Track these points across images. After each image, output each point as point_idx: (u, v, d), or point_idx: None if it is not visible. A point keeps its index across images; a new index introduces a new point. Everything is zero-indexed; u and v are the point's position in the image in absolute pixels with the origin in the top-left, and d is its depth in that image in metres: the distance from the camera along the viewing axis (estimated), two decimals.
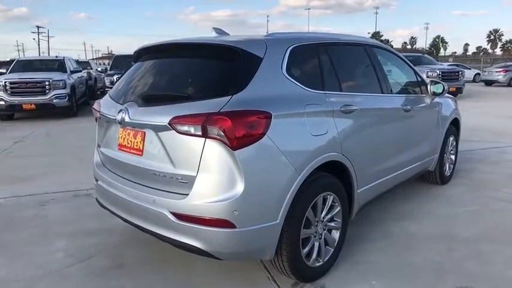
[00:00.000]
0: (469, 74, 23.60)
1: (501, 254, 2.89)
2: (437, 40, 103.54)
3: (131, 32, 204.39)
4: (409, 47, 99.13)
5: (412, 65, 3.86)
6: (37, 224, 3.56)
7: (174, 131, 2.09)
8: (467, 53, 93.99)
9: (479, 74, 25.32)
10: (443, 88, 3.70)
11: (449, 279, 2.55)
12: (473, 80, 24.72)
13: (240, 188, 2.00)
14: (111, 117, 2.52)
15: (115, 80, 10.56)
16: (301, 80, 2.42)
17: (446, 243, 3.06)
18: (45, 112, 10.44)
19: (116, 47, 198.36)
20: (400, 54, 3.85)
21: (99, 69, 15.30)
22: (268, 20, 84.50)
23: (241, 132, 1.99)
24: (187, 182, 2.09)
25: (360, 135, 2.75)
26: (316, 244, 2.48)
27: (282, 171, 2.15)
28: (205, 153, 2.02)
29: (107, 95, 2.85)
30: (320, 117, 2.43)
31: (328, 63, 2.70)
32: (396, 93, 3.44)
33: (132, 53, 2.92)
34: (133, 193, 2.34)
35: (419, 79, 3.82)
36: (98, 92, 16.09)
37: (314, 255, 2.46)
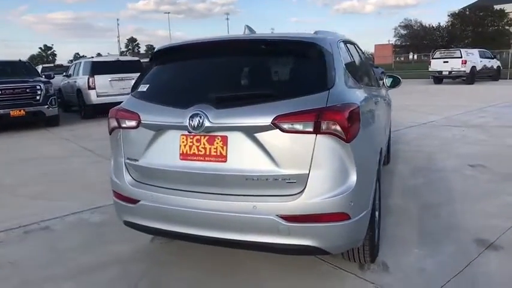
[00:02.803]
0: None
1: (474, 209, 3.58)
2: None
3: None
4: None
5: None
6: (7, 273, 2.78)
7: (277, 130, 1.99)
8: None
9: None
10: (399, 81, 4.33)
11: (461, 234, 3.05)
12: None
13: (353, 178, 2.04)
14: (170, 123, 2.20)
15: None
16: (351, 74, 2.56)
17: (430, 210, 3.60)
18: None
19: None
20: None
21: None
22: (118, 24, 79.81)
23: (351, 125, 2.03)
24: (296, 181, 2.02)
25: (376, 122, 3.04)
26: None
27: (371, 159, 2.28)
28: (317, 149, 1.99)
29: (136, 100, 2.44)
30: (371, 106, 2.63)
31: (351, 58, 2.91)
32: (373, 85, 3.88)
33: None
34: (219, 204, 2.10)
35: (375, 73, 4.38)
36: None
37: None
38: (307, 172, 2.00)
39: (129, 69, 11.68)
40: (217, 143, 2.12)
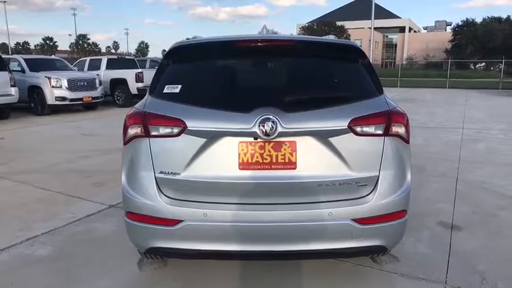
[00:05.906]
0: None
1: (419, 197, 4.16)
2: (142, 45, 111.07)
3: None
4: (113, 51, 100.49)
5: None
6: None
7: (351, 133, 1.97)
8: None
9: None
10: None
11: (426, 220, 3.52)
12: None
13: (409, 176, 2.17)
14: (228, 129, 1.92)
15: None
16: None
17: (428, 203, 3.99)
18: None
19: None
20: None
21: None
22: None
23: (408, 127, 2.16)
24: (367, 184, 2.03)
25: None
26: None
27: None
28: (385, 151, 2.04)
29: (170, 103, 2.04)
30: None
31: None
32: None
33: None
34: (291, 215, 1.95)
35: None
36: None
37: None
38: (377, 174, 2.05)
39: None
40: (285, 150, 1.97)
